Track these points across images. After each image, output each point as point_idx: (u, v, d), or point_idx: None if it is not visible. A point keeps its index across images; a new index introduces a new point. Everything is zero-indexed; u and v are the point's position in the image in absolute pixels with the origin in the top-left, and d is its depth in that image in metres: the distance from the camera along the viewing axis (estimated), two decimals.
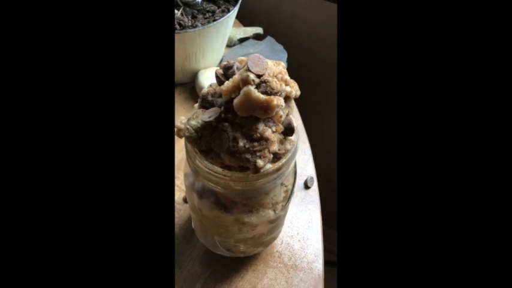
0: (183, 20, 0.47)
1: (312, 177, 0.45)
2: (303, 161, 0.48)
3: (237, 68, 0.23)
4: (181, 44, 0.47)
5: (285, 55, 0.61)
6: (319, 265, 0.39)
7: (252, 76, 0.21)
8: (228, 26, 0.51)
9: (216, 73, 0.24)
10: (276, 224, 0.33)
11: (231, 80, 0.22)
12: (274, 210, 0.30)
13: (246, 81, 0.21)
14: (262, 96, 0.22)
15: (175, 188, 0.44)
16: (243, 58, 0.25)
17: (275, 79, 0.23)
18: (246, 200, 0.28)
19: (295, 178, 0.31)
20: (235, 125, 0.23)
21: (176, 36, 0.46)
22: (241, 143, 0.23)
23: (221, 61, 0.59)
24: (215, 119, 0.23)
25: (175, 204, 0.43)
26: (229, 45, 0.63)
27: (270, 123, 0.24)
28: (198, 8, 0.50)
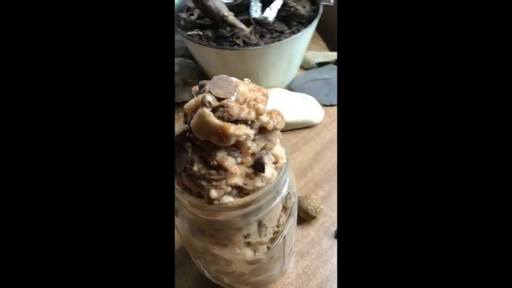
0: (249, 38, 0.47)
1: None
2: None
3: None
4: (241, 61, 0.47)
5: None
6: None
7: (209, 98, 0.19)
8: (296, 48, 0.49)
9: (192, 90, 0.23)
10: (258, 266, 0.29)
11: (194, 99, 0.21)
12: (255, 251, 0.27)
13: (201, 103, 0.20)
14: (217, 122, 0.19)
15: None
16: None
17: (243, 106, 0.20)
18: (213, 231, 0.25)
19: (293, 221, 0.27)
20: (196, 147, 0.21)
21: (236, 52, 0.46)
22: (195, 167, 0.21)
23: (290, 83, 0.57)
24: (178, 136, 0.22)
25: None
26: (306, 68, 0.60)
27: (236, 154, 0.21)
28: (269, 28, 0.49)
